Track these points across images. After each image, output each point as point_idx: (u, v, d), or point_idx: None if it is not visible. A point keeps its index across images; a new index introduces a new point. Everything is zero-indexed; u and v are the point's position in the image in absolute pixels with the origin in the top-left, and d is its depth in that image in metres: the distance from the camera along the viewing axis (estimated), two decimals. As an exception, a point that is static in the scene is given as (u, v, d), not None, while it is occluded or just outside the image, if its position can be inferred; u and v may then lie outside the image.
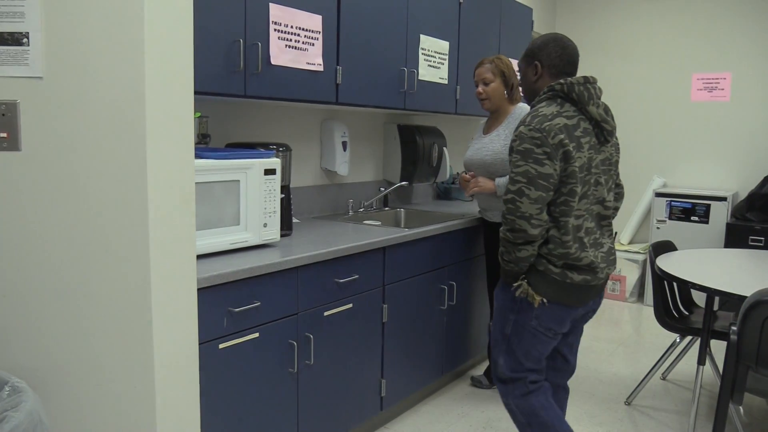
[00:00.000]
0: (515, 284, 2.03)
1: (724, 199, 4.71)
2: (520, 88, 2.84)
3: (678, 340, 3.16)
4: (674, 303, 3.20)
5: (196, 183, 2.01)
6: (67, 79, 1.59)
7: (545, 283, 1.97)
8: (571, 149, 1.88)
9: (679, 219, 4.88)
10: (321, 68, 2.58)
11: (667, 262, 3.00)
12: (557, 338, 2.09)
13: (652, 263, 3.10)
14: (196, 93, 2.13)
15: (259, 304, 2.04)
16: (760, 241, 4.40)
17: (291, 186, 3.06)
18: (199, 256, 2.07)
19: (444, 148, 3.74)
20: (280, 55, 2.38)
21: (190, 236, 1.67)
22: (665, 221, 4.94)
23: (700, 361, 2.73)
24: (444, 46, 3.36)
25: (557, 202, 1.94)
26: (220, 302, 1.93)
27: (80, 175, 1.62)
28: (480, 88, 2.98)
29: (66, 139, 1.61)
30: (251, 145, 2.47)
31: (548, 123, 1.89)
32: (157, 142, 1.56)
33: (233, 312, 1.96)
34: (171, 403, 1.66)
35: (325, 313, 2.35)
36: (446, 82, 3.42)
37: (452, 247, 3.08)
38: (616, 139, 2.13)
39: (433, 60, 3.28)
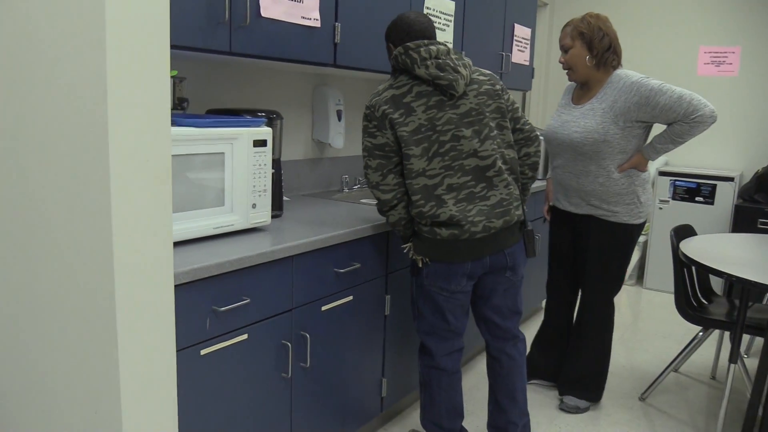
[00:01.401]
0: (403, 246, 2.14)
1: (731, 179, 4.48)
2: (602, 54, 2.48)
3: (701, 334, 2.93)
4: (693, 291, 2.96)
5: (172, 156, 1.66)
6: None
7: (421, 242, 2.04)
8: (397, 116, 1.95)
9: (683, 199, 4.65)
10: (318, 24, 2.23)
11: (690, 249, 2.74)
12: (457, 297, 2.09)
13: (675, 249, 2.84)
14: (171, 47, 1.77)
15: (248, 300, 1.72)
16: (769, 223, 4.19)
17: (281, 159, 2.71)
18: (176, 244, 1.73)
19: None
20: (271, 6, 2.02)
21: (165, 223, 1.33)
22: (668, 201, 4.71)
23: (732, 359, 2.49)
24: (450, 6, 3.01)
25: (402, 168, 2.01)
26: (203, 300, 1.60)
27: (20, 151, 1.27)
28: (561, 57, 2.58)
29: None
30: (236, 112, 2.12)
31: (377, 98, 2.00)
32: (122, 107, 1.21)
33: (218, 311, 1.64)
34: (142, 428, 1.34)
35: (323, 308, 2.04)
36: (451, 46, 3.08)
37: (458, 230, 2.78)
38: (493, 87, 2.06)
39: (438, 21, 2.94)
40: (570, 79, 2.59)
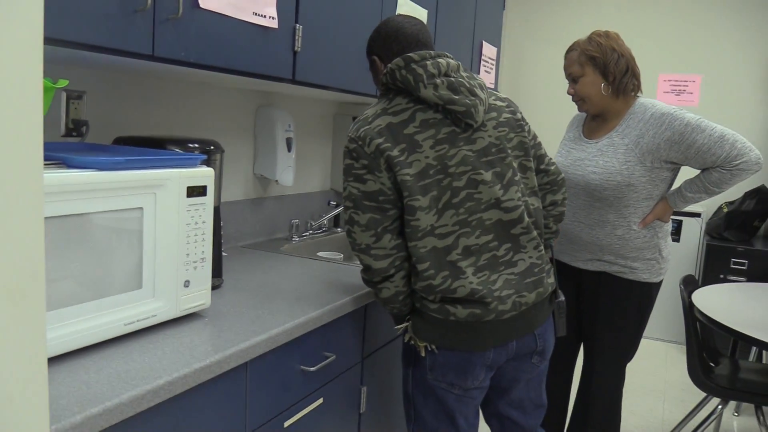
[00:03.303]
0: (397, 327, 1.57)
1: (697, 215, 4.21)
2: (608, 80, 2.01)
3: (720, 407, 2.51)
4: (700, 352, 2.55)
5: (58, 217, 1.02)
6: None
7: (426, 324, 1.49)
8: (396, 154, 1.41)
9: (647, 236, 4.34)
10: (275, 24, 1.64)
11: (704, 303, 2.34)
12: (472, 394, 1.55)
13: (687, 304, 2.43)
14: (63, 44, 1.14)
15: (181, 445, 1.09)
16: (743, 264, 3.92)
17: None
18: (63, 358, 1.08)
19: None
20: (212, -7, 1.42)
21: (32, 365, 0.70)
22: (632, 238, 4.38)
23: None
24: (422, 14, 2.51)
25: (401, 224, 1.48)
26: (106, 461, 0.96)
27: None
28: (569, 88, 2.10)
29: None
30: (157, 142, 1.49)
31: (366, 127, 1.45)
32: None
33: (132, 474, 1.00)
34: None
35: (286, 424, 1.43)
36: (423, 63, 2.56)
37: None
38: (514, 115, 1.56)
39: (410, 32, 2.42)
40: (581, 110, 2.12)
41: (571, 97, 2.11)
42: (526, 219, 1.51)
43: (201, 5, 1.39)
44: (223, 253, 2.03)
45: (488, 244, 1.47)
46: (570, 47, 2.10)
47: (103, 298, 1.12)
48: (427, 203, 1.41)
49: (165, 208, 1.22)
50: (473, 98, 1.44)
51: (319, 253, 2.26)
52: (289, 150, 2.28)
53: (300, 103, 2.50)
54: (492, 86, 3.52)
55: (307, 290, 1.63)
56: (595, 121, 2.16)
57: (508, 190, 1.49)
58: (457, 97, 1.42)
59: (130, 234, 1.16)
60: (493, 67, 3.49)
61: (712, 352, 2.68)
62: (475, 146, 1.46)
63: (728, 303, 2.41)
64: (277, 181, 2.26)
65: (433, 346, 1.49)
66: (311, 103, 2.58)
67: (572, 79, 2.08)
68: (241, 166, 2.22)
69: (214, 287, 1.58)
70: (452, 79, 1.44)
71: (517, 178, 1.52)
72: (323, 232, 2.52)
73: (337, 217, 2.66)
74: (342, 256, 2.24)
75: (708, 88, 4.47)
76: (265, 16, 1.60)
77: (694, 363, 2.41)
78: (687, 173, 3.59)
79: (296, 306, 1.48)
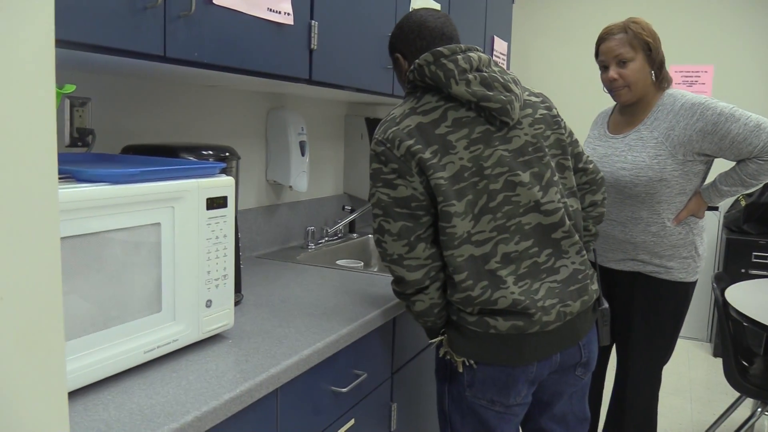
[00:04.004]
0: (431, 341, 1.49)
1: (715, 208, 4.10)
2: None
3: (760, 409, 2.41)
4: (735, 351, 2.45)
5: (68, 237, 0.92)
6: None
7: (464, 338, 1.38)
8: (428, 156, 1.31)
9: (664, 231, 4.23)
10: (290, 20, 1.54)
11: (737, 301, 2.24)
12: (514, 411, 1.43)
13: (721, 303, 2.33)
14: (66, 46, 1.03)
15: (212, 486, 0.99)
16: (765, 257, 3.82)
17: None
18: (78, 392, 0.98)
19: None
20: (225, -12, 1.32)
21: (56, 390, 0.60)
22: (648, 234, 4.28)
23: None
24: (436, 7, 2.40)
25: (435, 231, 1.38)
26: None
27: None
28: (613, 72, 1.94)
29: None
30: (168, 150, 1.39)
31: (394, 128, 1.34)
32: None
33: None
34: None
35: (318, 450, 1.32)
36: (437, 59, 2.46)
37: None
38: (550, 111, 1.46)
39: (424, 27, 2.32)
40: (620, 100, 1.99)
41: (610, 82, 1.96)
42: (567, 222, 1.41)
43: (214, 1, 1.29)
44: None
45: (528, 251, 1.36)
46: (611, 30, 1.96)
47: (121, 325, 1.02)
48: (462, 208, 1.31)
49: (184, 223, 1.11)
50: (508, 94, 1.34)
51: (338, 262, 2.16)
52: (303, 154, 2.17)
53: (311, 104, 2.40)
54: (503, 82, 3.41)
55: (331, 303, 1.53)
56: (621, 115, 2.06)
57: (548, 191, 1.38)
58: (491, 93, 1.32)
59: (148, 253, 1.05)
60: (505, 62, 3.38)
61: (745, 351, 2.58)
62: (511, 145, 1.36)
63: (761, 299, 2.31)
64: (290, 186, 2.15)
65: (472, 361, 1.39)
66: (322, 104, 2.47)
67: (620, 62, 1.95)
68: (253, 172, 2.12)
69: (234, 304, 1.48)
70: (485, 74, 1.34)
71: (555, 178, 1.42)
72: (339, 238, 2.41)
73: (352, 223, 2.56)
74: (362, 264, 2.14)
75: (720, 79, 4.37)
76: (280, 12, 1.49)
77: (731, 364, 2.31)
78: (720, 167, 3.48)
79: (324, 322, 1.38)
